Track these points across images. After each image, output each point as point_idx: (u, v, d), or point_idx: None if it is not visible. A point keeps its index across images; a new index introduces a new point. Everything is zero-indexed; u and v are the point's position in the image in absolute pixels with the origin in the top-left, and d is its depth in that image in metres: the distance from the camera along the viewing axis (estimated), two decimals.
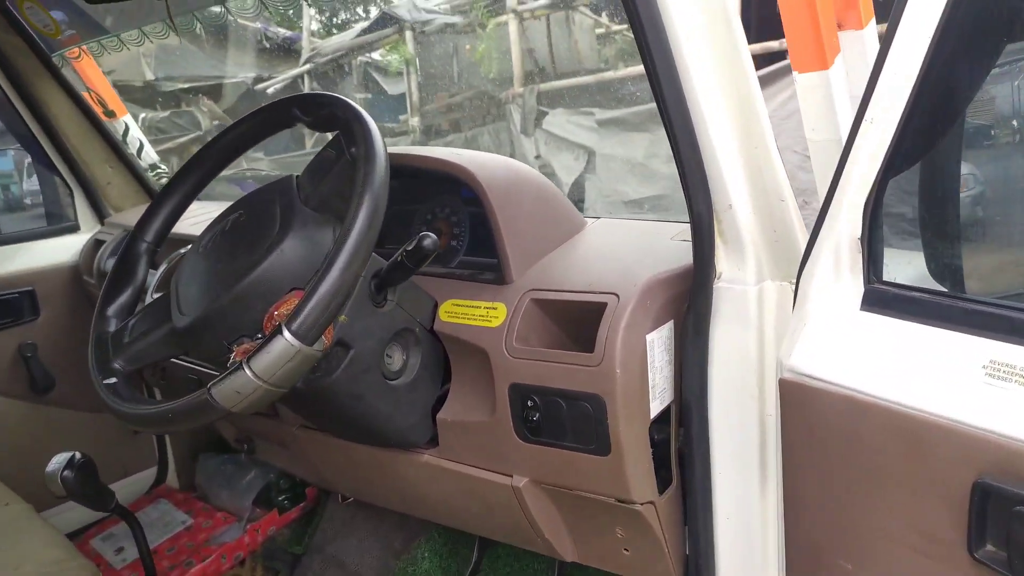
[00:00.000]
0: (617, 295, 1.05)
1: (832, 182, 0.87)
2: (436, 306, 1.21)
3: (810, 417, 0.88)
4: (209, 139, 1.26)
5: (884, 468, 0.80)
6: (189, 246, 1.19)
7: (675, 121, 0.93)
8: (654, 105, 0.95)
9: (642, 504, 1.10)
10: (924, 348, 0.79)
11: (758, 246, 1.01)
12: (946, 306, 0.80)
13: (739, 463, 1.08)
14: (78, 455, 1.38)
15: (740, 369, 1.04)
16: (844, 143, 0.86)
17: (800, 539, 0.94)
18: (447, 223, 1.34)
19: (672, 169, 0.99)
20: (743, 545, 1.10)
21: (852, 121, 0.84)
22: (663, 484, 1.14)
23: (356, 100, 1.20)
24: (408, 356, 1.19)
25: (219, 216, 1.15)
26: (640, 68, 1.26)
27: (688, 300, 1.06)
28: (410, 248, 1.01)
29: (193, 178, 1.26)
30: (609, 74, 6.29)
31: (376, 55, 7.98)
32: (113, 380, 1.06)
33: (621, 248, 1.23)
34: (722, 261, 1.03)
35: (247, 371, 0.85)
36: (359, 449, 1.37)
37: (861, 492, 0.84)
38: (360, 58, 7.96)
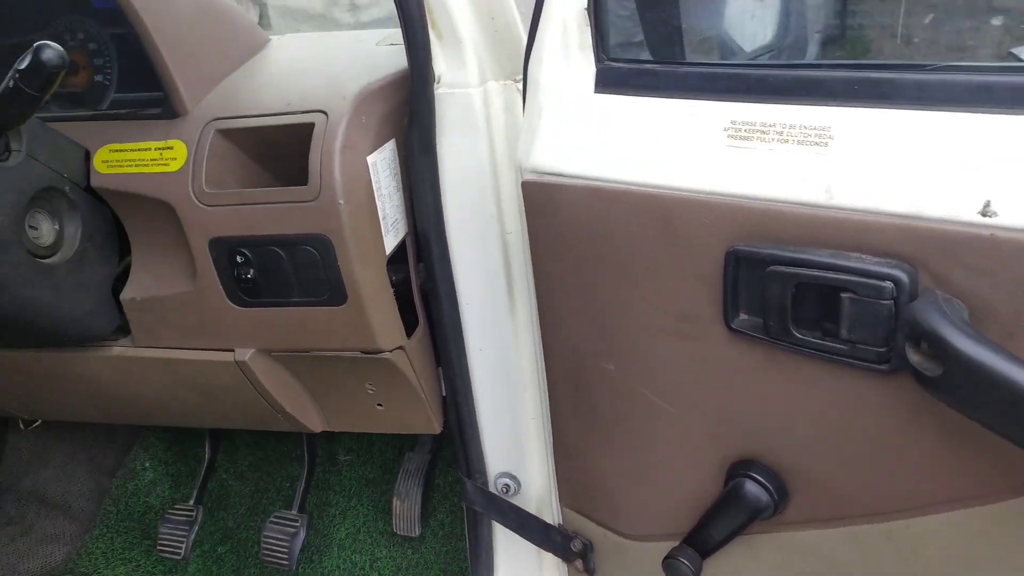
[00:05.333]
0: (325, 113, 0.88)
1: None
2: (88, 156, 0.94)
3: (557, 217, 0.80)
4: None
5: (636, 256, 0.76)
6: None
7: None
8: None
9: (391, 351, 0.99)
10: (665, 122, 0.73)
11: (476, 40, 0.88)
12: (682, 74, 0.74)
13: (486, 290, 1.00)
14: None
15: (475, 187, 0.94)
16: None
17: (560, 347, 0.89)
18: (83, 52, 1.02)
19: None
20: (499, 373, 1.05)
21: None
22: (409, 328, 1.04)
23: None
24: (62, 225, 0.92)
25: None
26: None
27: (408, 112, 0.92)
28: (23, 66, 0.73)
29: None
30: None
31: None
32: None
33: (320, 60, 1.03)
34: (440, 62, 0.89)
35: None
36: (26, 357, 1.09)
37: (616, 287, 0.79)
38: None
